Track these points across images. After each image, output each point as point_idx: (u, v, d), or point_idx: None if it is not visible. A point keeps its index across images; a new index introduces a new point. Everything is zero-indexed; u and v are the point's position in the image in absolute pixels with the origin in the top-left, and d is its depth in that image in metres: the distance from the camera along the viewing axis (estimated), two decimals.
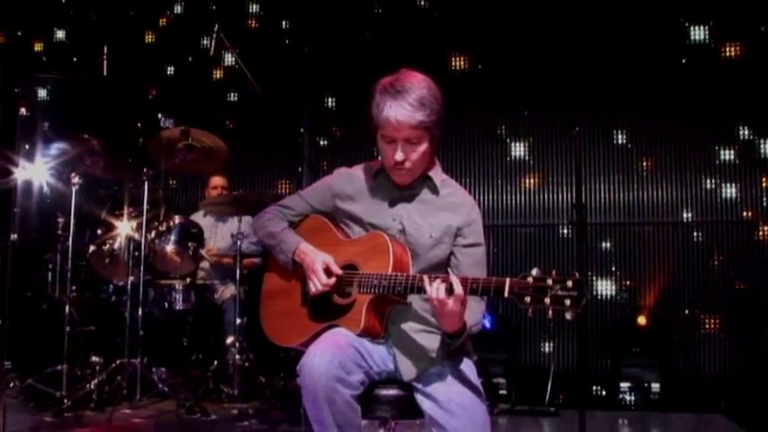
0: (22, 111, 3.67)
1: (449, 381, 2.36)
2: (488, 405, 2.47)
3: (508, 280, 2.12)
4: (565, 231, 6.04)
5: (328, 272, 2.45)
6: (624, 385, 5.41)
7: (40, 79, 4.11)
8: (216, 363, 4.87)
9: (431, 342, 2.44)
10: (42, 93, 5.12)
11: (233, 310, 5.01)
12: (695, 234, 5.90)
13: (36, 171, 4.78)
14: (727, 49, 5.92)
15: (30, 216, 6.02)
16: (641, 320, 5.71)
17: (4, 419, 3.67)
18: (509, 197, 6.22)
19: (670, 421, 4.98)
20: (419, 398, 2.37)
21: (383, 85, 2.42)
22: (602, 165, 6.04)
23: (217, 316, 5.35)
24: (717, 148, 5.87)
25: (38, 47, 6.80)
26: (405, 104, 2.35)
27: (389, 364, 2.44)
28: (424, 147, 2.43)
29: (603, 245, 6.00)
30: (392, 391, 2.41)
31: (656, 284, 5.86)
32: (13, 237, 3.57)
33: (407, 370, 2.40)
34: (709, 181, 5.88)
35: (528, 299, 2.07)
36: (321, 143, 6.42)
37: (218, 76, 6.75)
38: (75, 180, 4.49)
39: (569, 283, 2.03)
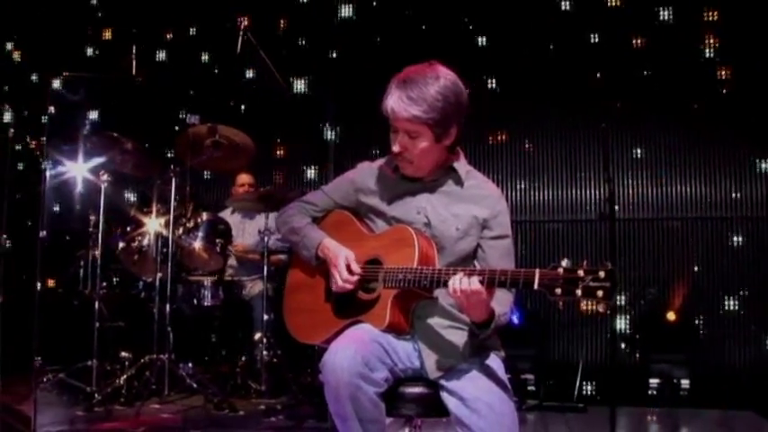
0: (51, 109, 3.68)
1: (476, 378, 2.31)
2: (516, 401, 2.43)
3: (537, 271, 2.07)
4: (594, 227, 5.97)
5: (350, 269, 2.44)
6: (653, 381, 5.33)
7: (69, 78, 4.13)
8: (244, 359, 4.90)
9: (458, 338, 2.41)
10: (72, 92, 5.15)
11: (261, 306, 5.03)
12: (726, 230, 5.78)
13: (75, 169, 4.81)
14: None
15: (65, 213, 6.12)
16: (671, 316, 5.63)
17: (35, 413, 3.69)
18: (536, 192, 6.15)
19: (699, 417, 4.91)
20: (445, 396, 2.33)
21: (402, 72, 2.41)
22: (631, 159, 5.95)
23: (245, 312, 5.37)
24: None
25: (69, 47, 6.91)
26: (403, 96, 2.33)
27: (415, 361, 2.41)
28: (424, 143, 2.39)
29: (632, 240, 5.92)
30: (417, 389, 2.38)
31: (685, 280, 5.78)
32: (42, 234, 3.58)
33: (433, 367, 2.36)
34: (741, 175, 5.77)
35: (558, 290, 2.02)
36: (346, 138, 6.41)
37: (247, 75, 6.76)
38: (105, 178, 4.53)
39: (601, 274, 1.98)
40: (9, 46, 7.24)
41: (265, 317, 4.90)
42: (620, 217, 5.69)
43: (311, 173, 6.58)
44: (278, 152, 6.67)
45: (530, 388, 5.23)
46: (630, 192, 5.92)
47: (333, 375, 2.16)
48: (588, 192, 6.04)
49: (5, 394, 4.25)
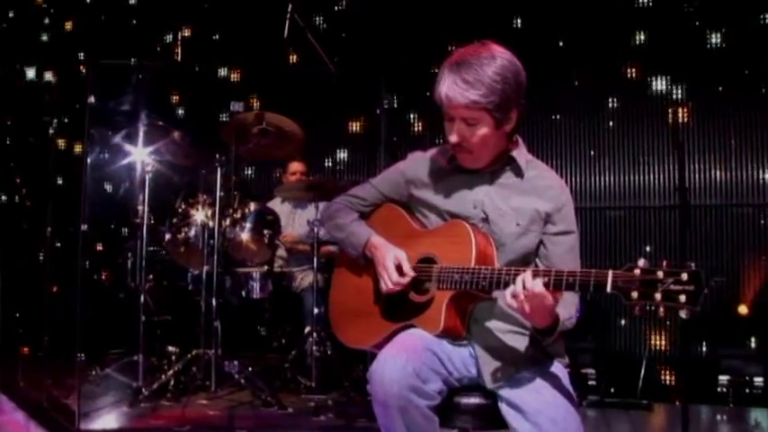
0: (92, 99, 3.57)
1: (538, 389, 2.11)
2: (577, 396, 2.21)
3: (611, 273, 1.84)
4: (658, 214, 5.62)
5: (400, 269, 2.24)
6: (723, 378, 5.03)
7: (110, 66, 4.03)
8: (293, 353, 4.76)
9: (519, 344, 2.20)
10: (114, 80, 5.08)
11: (311, 298, 4.88)
12: None
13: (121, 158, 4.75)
14: None
15: (112, 204, 6.10)
16: (742, 309, 5.31)
17: (79, 408, 3.61)
18: (597, 177, 5.81)
19: None
20: (504, 408, 2.12)
21: (453, 55, 2.18)
22: (698, 142, 5.57)
23: (295, 304, 5.25)
24: None
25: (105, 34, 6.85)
26: (458, 80, 2.10)
27: (471, 369, 2.21)
28: (484, 130, 2.17)
29: (700, 228, 5.57)
30: (474, 400, 2.18)
31: (758, 271, 5.42)
32: (84, 227, 3.48)
33: (491, 376, 2.16)
34: None
35: (635, 294, 1.79)
36: (400, 126, 6.21)
37: (293, 60, 6.60)
38: (150, 168, 4.43)
39: (684, 276, 1.74)
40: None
41: (315, 310, 4.75)
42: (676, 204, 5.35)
43: (363, 160, 6.42)
44: (328, 139, 6.51)
45: (590, 383, 4.99)
46: (697, 177, 5.56)
47: (381, 387, 1.98)
48: (652, 176, 5.66)
49: (55, 387, 4.24)
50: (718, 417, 4.66)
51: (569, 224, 2.28)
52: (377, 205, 2.49)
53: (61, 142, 6.92)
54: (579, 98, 5.87)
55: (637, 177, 5.71)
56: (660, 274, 1.76)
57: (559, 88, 5.80)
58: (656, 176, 5.65)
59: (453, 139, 2.19)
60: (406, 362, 1.98)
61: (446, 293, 2.14)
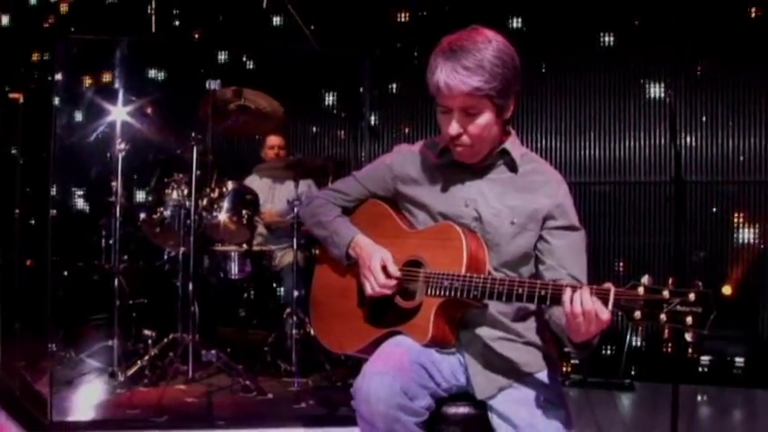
0: (59, 76, 3.39)
1: (530, 400, 2.01)
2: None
3: (613, 290, 1.73)
4: (645, 189, 5.46)
5: (386, 271, 2.12)
6: (704, 358, 5.05)
7: (78, 40, 3.85)
8: (273, 336, 4.67)
9: (511, 352, 2.09)
10: (83, 55, 4.88)
11: (291, 278, 4.77)
12: None
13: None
14: None
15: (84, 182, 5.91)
16: (726, 290, 5.24)
17: (51, 398, 3.50)
18: (581, 150, 5.65)
19: (754, 398, 4.65)
20: (494, 419, 2.03)
21: (443, 43, 2.03)
22: (686, 113, 5.34)
23: (275, 284, 5.14)
24: None
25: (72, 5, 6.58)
26: (458, 67, 1.96)
27: (460, 377, 2.10)
28: (485, 119, 2.03)
29: (683, 206, 5.42)
30: (462, 410, 2.08)
31: (744, 250, 5.34)
32: (53, 213, 3.33)
33: (482, 386, 2.06)
34: None
35: (638, 314, 1.69)
36: (383, 101, 6.03)
37: (271, 28, 6.38)
38: (122, 146, 4.26)
39: (691, 296, 1.65)
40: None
41: (295, 293, 4.63)
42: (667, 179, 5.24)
43: (344, 138, 6.26)
44: (308, 116, 6.32)
45: (572, 361, 4.95)
46: (684, 152, 5.40)
47: (367, 406, 1.88)
48: (640, 149, 5.49)
49: (28, 370, 4.12)
50: (698, 397, 4.66)
51: (571, 220, 2.14)
52: (361, 201, 2.37)
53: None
54: (562, 64, 5.64)
55: (623, 149, 5.55)
56: (666, 293, 1.66)
57: (540, 59, 5.61)
58: (645, 149, 5.50)
59: (453, 130, 2.04)
60: (393, 379, 1.88)
61: (435, 300, 2.03)
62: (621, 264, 5.46)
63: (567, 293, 1.79)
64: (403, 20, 5.92)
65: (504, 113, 2.08)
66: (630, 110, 5.51)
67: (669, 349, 5.15)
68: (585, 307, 1.75)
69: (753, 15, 5.21)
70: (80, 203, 6.29)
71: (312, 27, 4.77)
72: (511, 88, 2.03)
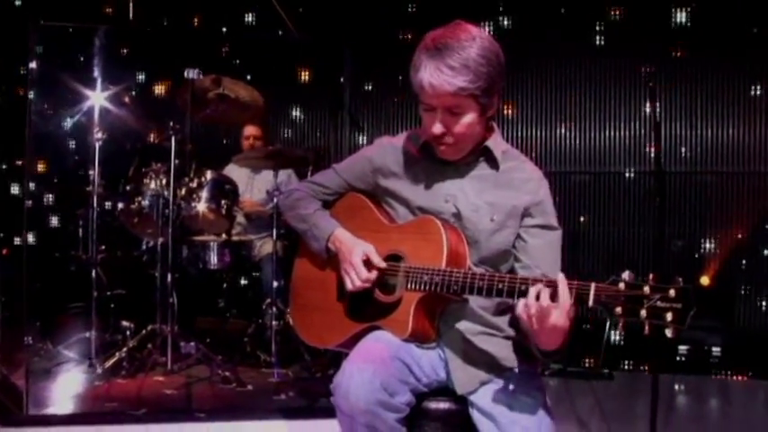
0: (33, 65, 3.33)
1: (511, 396, 2.01)
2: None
3: (593, 286, 1.73)
4: (625, 179, 5.49)
5: (368, 264, 2.10)
6: (682, 348, 5.12)
7: (54, 28, 3.78)
8: (252, 326, 4.64)
9: (491, 346, 2.09)
10: (58, 43, 4.79)
11: (270, 268, 4.74)
12: None
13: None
14: None
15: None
16: (704, 280, 5.29)
17: (27, 391, 3.47)
18: (561, 140, 5.64)
19: (730, 387, 4.74)
20: (475, 415, 2.03)
21: (426, 40, 2.00)
22: (666, 103, 5.36)
23: (255, 272, 5.11)
24: None
25: None
26: (443, 66, 1.93)
27: (441, 372, 2.09)
28: (469, 118, 2.01)
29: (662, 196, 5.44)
30: (443, 405, 2.08)
31: (722, 241, 5.37)
32: (28, 204, 3.28)
33: (462, 381, 2.05)
34: None
35: (619, 310, 1.70)
36: (364, 91, 5.99)
37: (249, 20, 6.32)
38: (99, 135, 4.20)
39: (672, 293, 1.65)
40: None
41: (275, 283, 4.61)
42: (647, 170, 5.27)
43: (325, 128, 6.21)
44: (287, 106, 6.28)
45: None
46: (663, 143, 5.41)
47: (346, 402, 1.86)
48: (620, 139, 5.51)
49: (4, 363, 4.06)
50: (676, 386, 4.70)
51: (549, 219, 2.13)
52: (341, 194, 2.34)
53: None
54: (542, 52, 5.63)
55: (603, 139, 5.56)
56: (646, 289, 1.67)
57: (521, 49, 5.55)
58: (623, 139, 5.50)
59: (437, 130, 2.02)
60: (373, 375, 1.86)
61: (415, 295, 2.02)
62: (600, 253, 5.49)
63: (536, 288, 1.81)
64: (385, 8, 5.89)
65: (489, 111, 2.06)
66: (610, 100, 5.53)
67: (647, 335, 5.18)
68: (541, 298, 1.78)
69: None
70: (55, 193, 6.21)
71: (295, 13, 4.72)
72: (495, 86, 2.01)
